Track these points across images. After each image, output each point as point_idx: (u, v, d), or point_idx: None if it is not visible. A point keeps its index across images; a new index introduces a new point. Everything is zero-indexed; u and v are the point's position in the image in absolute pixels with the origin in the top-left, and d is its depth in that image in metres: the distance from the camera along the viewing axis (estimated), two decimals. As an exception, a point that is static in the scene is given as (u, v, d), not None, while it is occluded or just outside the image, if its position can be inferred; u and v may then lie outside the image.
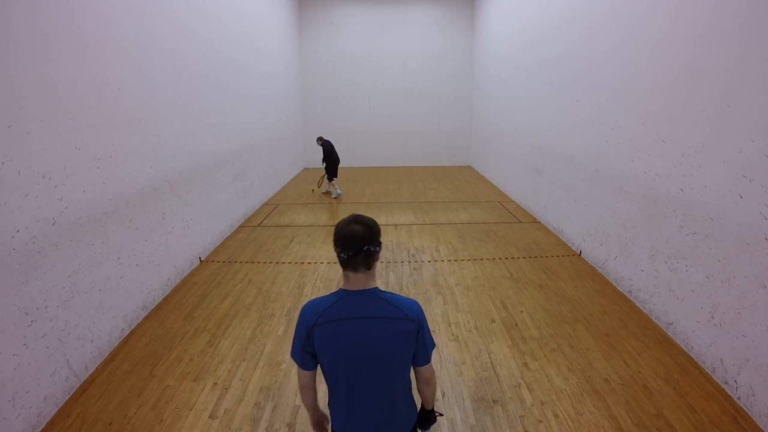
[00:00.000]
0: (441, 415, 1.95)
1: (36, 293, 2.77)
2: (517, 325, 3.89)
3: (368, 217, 1.53)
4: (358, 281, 1.50)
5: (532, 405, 2.89)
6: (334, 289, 4.66)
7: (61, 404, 2.92)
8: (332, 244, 1.51)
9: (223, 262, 5.45)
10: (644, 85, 4.16)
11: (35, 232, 2.78)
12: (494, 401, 2.94)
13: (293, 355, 1.60)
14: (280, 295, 4.51)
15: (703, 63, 3.35)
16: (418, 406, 1.76)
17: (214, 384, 3.13)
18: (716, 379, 3.12)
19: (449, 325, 3.90)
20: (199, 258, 5.43)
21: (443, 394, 3.01)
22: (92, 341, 3.30)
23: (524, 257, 5.52)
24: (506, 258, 5.50)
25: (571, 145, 5.89)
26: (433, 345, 1.62)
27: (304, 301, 4.37)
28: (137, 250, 4.01)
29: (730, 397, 2.96)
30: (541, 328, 3.84)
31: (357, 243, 1.44)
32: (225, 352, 3.52)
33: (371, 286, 1.53)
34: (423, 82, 12.65)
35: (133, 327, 3.88)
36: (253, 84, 8.00)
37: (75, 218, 3.17)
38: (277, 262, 5.41)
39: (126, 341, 3.68)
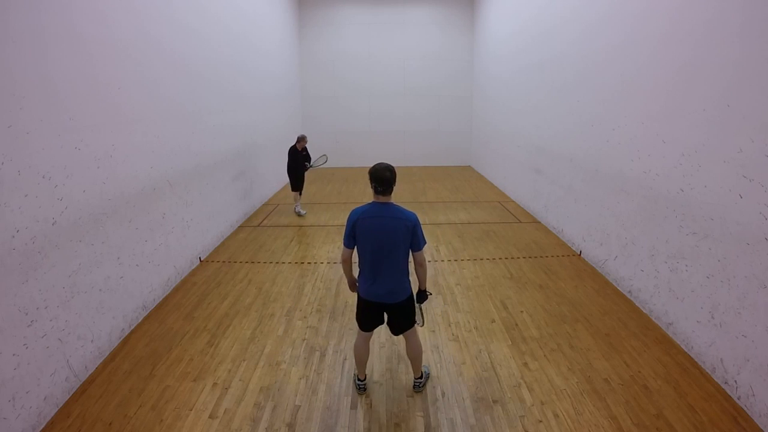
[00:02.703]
0: (430, 294, 3.06)
1: (36, 293, 2.77)
2: (517, 325, 3.89)
3: (392, 166, 2.67)
4: (384, 199, 2.66)
5: (532, 405, 2.89)
6: (334, 290, 4.70)
7: (61, 404, 2.92)
8: (368, 182, 2.67)
9: (223, 262, 5.45)
10: (644, 85, 4.16)
11: (35, 232, 2.78)
12: (494, 401, 2.94)
13: (343, 240, 2.76)
14: (280, 295, 4.51)
15: (703, 63, 3.35)
16: (414, 290, 2.89)
17: (214, 384, 3.13)
18: (716, 379, 3.12)
19: (449, 325, 3.90)
20: (199, 258, 5.43)
21: (443, 394, 3.01)
22: (92, 341, 3.30)
23: (524, 257, 5.52)
24: (506, 258, 5.50)
25: (571, 145, 5.89)
26: (424, 241, 2.75)
27: (304, 301, 4.39)
28: (137, 250, 4.01)
29: (730, 397, 2.96)
30: (541, 328, 3.84)
31: (387, 182, 2.62)
32: (225, 352, 3.52)
33: (389, 201, 2.68)
34: (423, 82, 12.64)
35: (133, 327, 3.88)
36: (253, 84, 7.99)
37: (75, 218, 3.17)
38: (277, 262, 5.41)
39: (126, 341, 3.68)
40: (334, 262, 5.39)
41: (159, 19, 4.55)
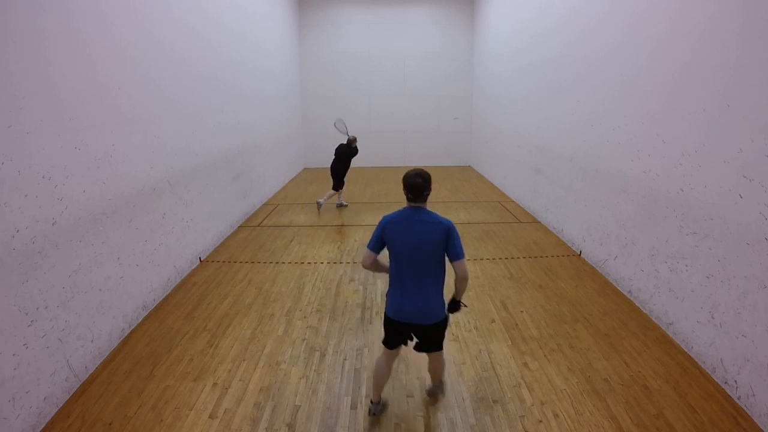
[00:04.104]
0: (465, 306, 2.78)
1: (36, 293, 2.77)
2: (517, 325, 3.89)
3: (426, 172, 2.48)
4: (416, 205, 2.48)
5: (532, 405, 2.89)
6: (334, 289, 4.70)
7: (61, 404, 2.92)
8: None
9: (223, 262, 5.45)
10: (644, 85, 4.16)
11: (35, 232, 2.78)
12: (494, 401, 2.94)
13: (369, 244, 2.53)
14: (280, 295, 4.51)
15: (703, 63, 3.35)
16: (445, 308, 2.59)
17: (214, 384, 3.13)
18: (716, 379, 3.12)
19: (449, 325, 3.89)
20: (199, 258, 5.43)
21: (443, 394, 3.01)
22: (92, 341, 3.30)
23: (524, 257, 5.52)
24: (506, 258, 5.50)
25: (571, 145, 5.89)
26: (462, 252, 2.44)
27: (304, 301, 4.39)
28: (137, 250, 4.01)
29: (730, 397, 2.96)
30: (541, 328, 3.84)
31: (418, 189, 2.44)
32: (225, 352, 3.52)
33: (424, 206, 2.51)
34: (423, 82, 12.64)
35: (133, 327, 3.88)
36: (253, 84, 7.99)
37: (75, 218, 3.17)
38: (277, 262, 5.41)
39: (126, 341, 3.68)
40: (334, 262, 5.39)
41: (159, 19, 4.55)
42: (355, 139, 7.99)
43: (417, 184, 2.43)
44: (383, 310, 4.11)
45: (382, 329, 2.67)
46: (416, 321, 2.49)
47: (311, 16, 12.18)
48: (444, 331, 2.65)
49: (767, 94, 2.75)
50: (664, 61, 3.86)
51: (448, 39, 12.44)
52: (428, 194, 2.49)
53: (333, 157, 8.10)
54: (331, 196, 7.93)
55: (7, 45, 2.60)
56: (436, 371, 2.84)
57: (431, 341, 2.62)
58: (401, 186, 2.55)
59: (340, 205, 8.19)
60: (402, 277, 2.47)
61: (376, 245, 2.51)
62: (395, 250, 2.45)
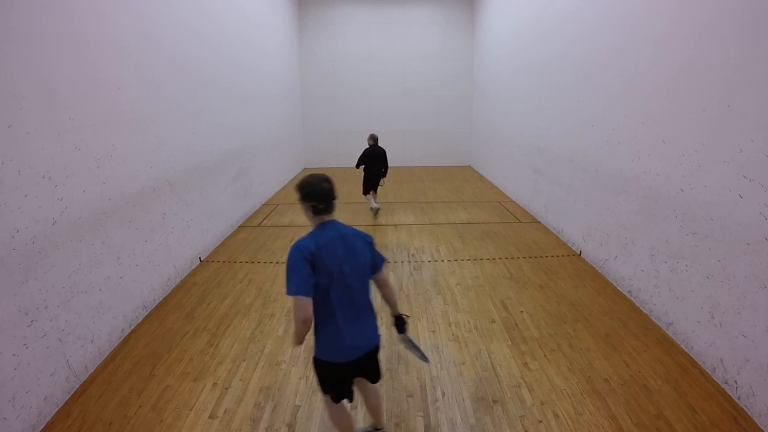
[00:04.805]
0: (407, 317, 2.44)
1: (36, 293, 2.77)
2: (517, 325, 3.89)
3: (328, 175, 2.07)
4: (330, 218, 2.06)
5: (532, 405, 2.89)
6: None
7: (61, 404, 2.92)
8: (306, 196, 2.00)
9: (223, 262, 5.45)
10: (644, 85, 4.16)
11: (35, 232, 2.78)
12: (494, 401, 2.94)
13: (299, 288, 1.88)
14: (280, 295, 4.51)
15: (703, 63, 3.35)
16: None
17: (214, 384, 3.13)
18: (716, 379, 3.12)
19: (449, 325, 3.90)
20: (199, 258, 5.43)
21: (443, 394, 3.01)
22: (92, 341, 3.30)
23: (524, 257, 5.52)
24: (506, 258, 5.50)
25: (571, 145, 5.89)
26: (384, 259, 2.24)
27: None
28: (137, 250, 4.01)
29: (730, 397, 2.96)
30: (541, 328, 3.84)
31: (329, 195, 2.02)
32: (225, 352, 3.52)
33: (334, 219, 2.09)
34: (423, 82, 12.64)
35: (133, 327, 3.88)
36: (253, 84, 7.99)
37: (75, 218, 3.17)
38: (277, 262, 5.41)
39: (126, 341, 3.68)
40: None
41: (159, 19, 4.55)
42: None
43: (328, 190, 2.01)
44: (382, 310, 4.14)
45: (319, 379, 2.21)
46: (370, 347, 2.16)
47: (311, 16, 12.18)
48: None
49: (767, 94, 2.75)
50: (664, 61, 3.86)
51: (448, 39, 12.44)
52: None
53: (360, 161, 7.37)
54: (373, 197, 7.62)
55: (7, 45, 2.60)
56: (379, 407, 2.52)
57: (376, 367, 2.29)
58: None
59: (374, 209, 7.65)
60: (344, 308, 2.03)
61: (310, 284, 1.91)
62: (327, 279, 1.95)
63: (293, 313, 1.90)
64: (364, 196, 7.70)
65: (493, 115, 10.43)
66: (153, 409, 2.89)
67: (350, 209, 8.05)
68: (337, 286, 1.99)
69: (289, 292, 1.88)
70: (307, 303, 1.88)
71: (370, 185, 7.49)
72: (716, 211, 3.19)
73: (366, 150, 7.36)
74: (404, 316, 2.37)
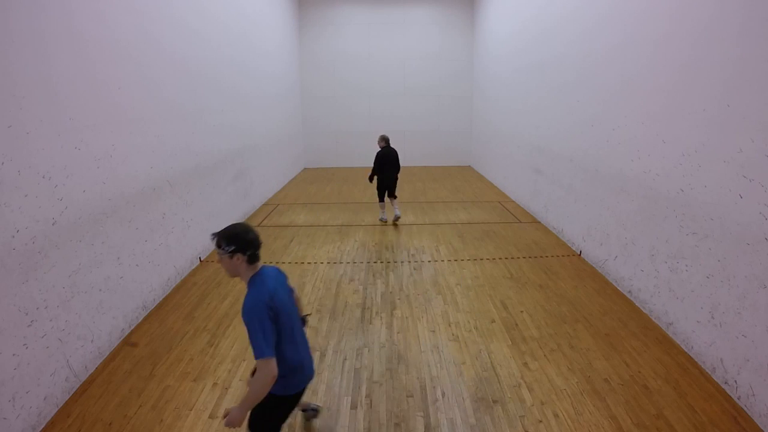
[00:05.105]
0: (309, 314, 2.89)
1: (36, 293, 2.77)
2: (517, 325, 3.89)
3: (245, 222, 2.24)
4: (259, 264, 2.07)
5: (532, 405, 2.89)
6: (333, 290, 4.68)
7: (61, 404, 2.92)
8: (240, 246, 1.97)
9: (223, 262, 5.44)
10: (644, 85, 4.16)
11: (35, 232, 2.78)
12: (494, 401, 2.94)
13: (268, 349, 1.89)
14: (280, 295, 4.50)
15: (703, 63, 3.35)
16: None
17: (214, 384, 3.13)
18: (716, 379, 3.12)
19: (449, 325, 3.90)
20: (199, 258, 5.43)
21: (443, 394, 3.01)
22: (92, 341, 3.30)
23: (524, 257, 5.52)
24: (506, 258, 5.50)
25: (571, 145, 5.89)
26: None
27: (304, 301, 4.38)
28: (137, 250, 4.01)
29: (730, 397, 2.96)
30: (541, 328, 3.84)
31: (259, 242, 2.04)
32: (225, 352, 3.52)
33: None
34: (423, 82, 12.64)
35: (133, 327, 3.87)
36: (253, 84, 7.99)
37: (75, 218, 3.17)
38: (277, 262, 5.41)
39: (126, 341, 3.68)
40: (334, 262, 5.39)
41: (159, 19, 4.55)
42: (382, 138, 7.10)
43: (257, 236, 2.03)
44: (382, 311, 4.15)
45: (278, 417, 2.19)
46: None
47: (311, 16, 12.18)
48: None
49: (767, 94, 2.75)
50: (664, 61, 3.85)
51: (448, 39, 12.44)
52: None
53: (374, 165, 6.94)
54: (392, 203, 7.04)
55: (7, 45, 2.60)
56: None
57: None
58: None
59: (386, 219, 7.17)
60: (299, 342, 2.15)
61: (274, 341, 1.94)
62: (282, 320, 2.00)
63: (258, 376, 1.89)
64: (379, 203, 7.14)
65: (493, 115, 10.43)
66: (153, 409, 2.89)
67: (350, 209, 8.05)
68: (292, 321, 2.10)
69: (262, 355, 1.87)
70: (274, 363, 1.91)
71: (386, 190, 6.97)
72: (716, 211, 3.19)
73: (379, 153, 6.86)
74: (307, 316, 2.49)
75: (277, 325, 1.96)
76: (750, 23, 2.90)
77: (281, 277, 2.18)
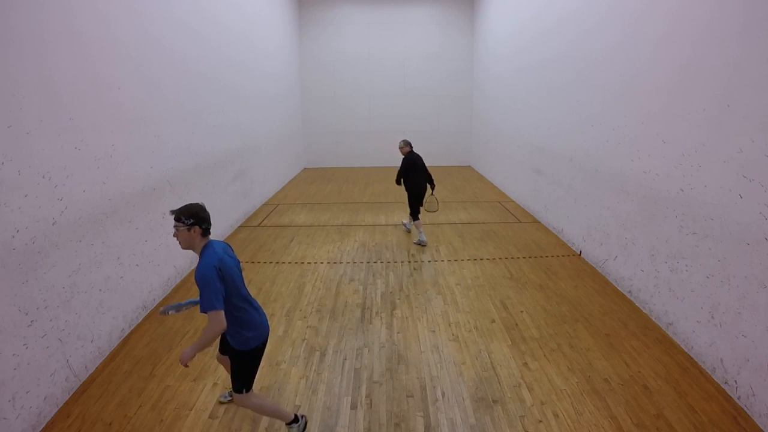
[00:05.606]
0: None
1: (36, 293, 2.77)
2: (517, 325, 3.89)
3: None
4: (209, 238, 2.40)
5: (532, 405, 2.89)
6: (333, 290, 4.67)
7: (61, 404, 2.92)
8: (198, 220, 2.32)
9: (223, 262, 5.44)
10: (644, 85, 4.16)
11: (35, 232, 2.78)
12: (494, 401, 2.94)
13: (216, 302, 2.17)
14: (280, 295, 4.51)
15: (703, 63, 3.35)
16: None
17: (214, 384, 3.13)
18: (716, 379, 3.12)
19: (449, 325, 3.90)
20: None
21: (443, 394, 3.01)
22: (92, 341, 3.30)
23: (524, 257, 5.52)
24: (506, 258, 5.50)
25: (571, 145, 5.89)
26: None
27: (304, 301, 4.38)
28: (137, 250, 4.01)
29: (730, 397, 2.96)
30: (541, 328, 3.84)
31: (210, 220, 2.40)
32: (225, 352, 3.52)
33: None
34: (423, 82, 12.64)
35: (133, 327, 3.87)
36: (253, 84, 7.99)
37: (75, 218, 3.17)
38: (277, 262, 5.41)
39: (126, 341, 3.68)
40: (334, 262, 5.39)
41: (159, 19, 4.55)
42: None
43: (209, 214, 2.41)
44: (382, 311, 4.15)
45: (248, 372, 2.46)
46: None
47: (311, 16, 12.19)
48: None
49: (767, 94, 2.75)
50: (664, 61, 3.85)
51: (448, 39, 12.44)
52: None
53: (401, 170, 6.01)
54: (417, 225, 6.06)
55: (7, 45, 2.60)
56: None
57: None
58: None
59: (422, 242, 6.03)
60: (250, 300, 2.47)
61: (222, 298, 2.23)
62: (230, 280, 2.29)
63: (208, 326, 2.16)
64: (414, 221, 6.06)
65: (493, 115, 10.43)
66: (153, 409, 2.88)
67: (350, 209, 8.05)
68: (238, 283, 2.37)
69: (212, 308, 2.16)
70: (222, 315, 2.19)
71: (419, 203, 6.01)
72: (716, 211, 3.19)
73: (405, 159, 5.96)
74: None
75: (225, 285, 2.24)
76: (750, 23, 2.90)
77: (228, 248, 2.51)
